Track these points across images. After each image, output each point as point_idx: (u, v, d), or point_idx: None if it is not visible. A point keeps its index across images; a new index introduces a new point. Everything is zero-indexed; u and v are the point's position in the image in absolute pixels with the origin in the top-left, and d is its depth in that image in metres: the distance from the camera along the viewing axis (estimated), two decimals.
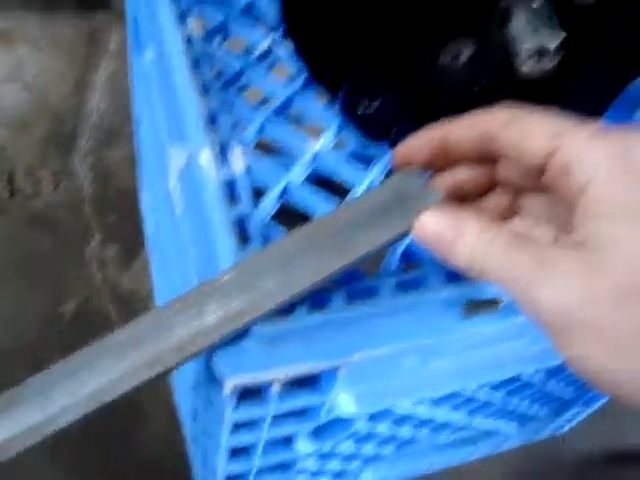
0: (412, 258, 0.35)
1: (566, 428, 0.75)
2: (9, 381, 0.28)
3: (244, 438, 0.36)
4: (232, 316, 0.28)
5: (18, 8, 0.98)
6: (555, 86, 0.36)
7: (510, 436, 0.69)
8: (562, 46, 0.34)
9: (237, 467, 0.41)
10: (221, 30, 0.44)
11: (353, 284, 0.33)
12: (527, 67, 0.35)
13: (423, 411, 0.46)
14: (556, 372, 0.52)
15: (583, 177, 0.24)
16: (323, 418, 0.36)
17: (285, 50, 0.43)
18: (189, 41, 0.41)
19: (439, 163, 0.30)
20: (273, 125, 0.39)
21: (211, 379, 0.30)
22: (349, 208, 0.30)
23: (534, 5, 0.34)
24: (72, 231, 0.84)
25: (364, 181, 0.37)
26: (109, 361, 0.28)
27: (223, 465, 0.40)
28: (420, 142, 0.30)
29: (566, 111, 0.26)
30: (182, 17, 0.42)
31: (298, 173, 0.37)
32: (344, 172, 0.38)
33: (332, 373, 0.31)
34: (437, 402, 0.47)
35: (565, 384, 0.57)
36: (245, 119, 0.39)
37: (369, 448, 0.52)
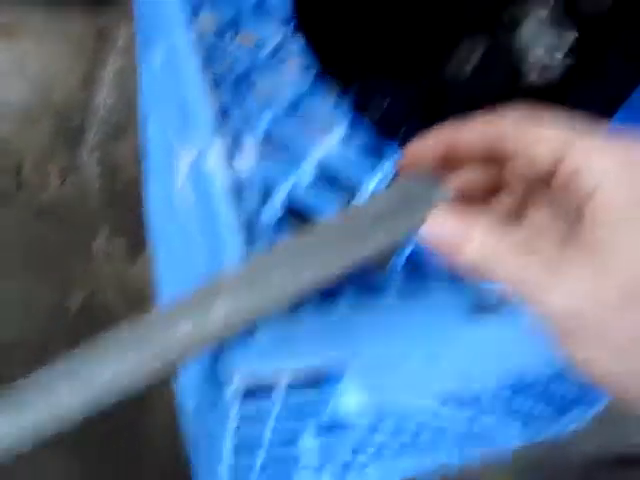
0: (419, 259, 0.35)
1: (570, 428, 0.75)
2: (15, 374, 0.28)
3: (249, 433, 0.36)
4: (239, 313, 0.29)
5: (26, 2, 0.98)
6: (563, 91, 0.36)
7: (514, 435, 0.69)
8: (570, 52, 0.34)
9: (241, 462, 0.41)
10: (232, 25, 0.44)
11: (360, 284, 0.33)
12: (535, 72, 0.35)
13: (428, 409, 0.46)
14: (560, 372, 0.52)
15: (591, 183, 0.24)
16: (328, 415, 0.36)
17: (296, 45, 0.43)
18: (200, 37, 0.41)
19: (447, 164, 0.30)
20: (282, 122, 0.39)
21: (218, 375, 0.31)
22: (358, 208, 0.30)
23: (544, 11, 0.34)
24: (79, 225, 0.84)
25: (373, 179, 0.37)
26: (115, 356, 0.28)
27: (227, 462, 0.40)
28: (429, 143, 0.30)
29: (575, 113, 0.26)
30: (194, 12, 0.42)
31: (307, 171, 0.37)
32: (353, 170, 0.38)
33: (338, 370, 0.31)
34: (442, 400, 0.47)
35: (569, 383, 0.57)
36: (255, 116, 0.39)
37: (374, 444, 0.52)
